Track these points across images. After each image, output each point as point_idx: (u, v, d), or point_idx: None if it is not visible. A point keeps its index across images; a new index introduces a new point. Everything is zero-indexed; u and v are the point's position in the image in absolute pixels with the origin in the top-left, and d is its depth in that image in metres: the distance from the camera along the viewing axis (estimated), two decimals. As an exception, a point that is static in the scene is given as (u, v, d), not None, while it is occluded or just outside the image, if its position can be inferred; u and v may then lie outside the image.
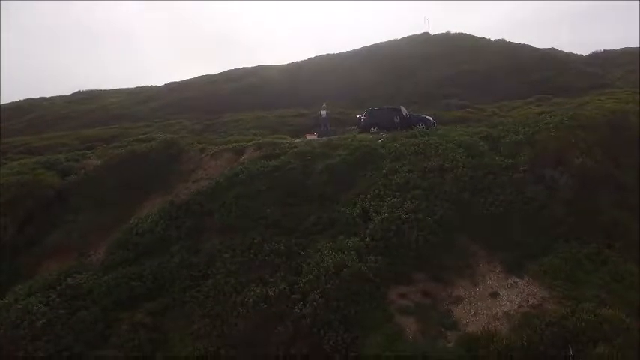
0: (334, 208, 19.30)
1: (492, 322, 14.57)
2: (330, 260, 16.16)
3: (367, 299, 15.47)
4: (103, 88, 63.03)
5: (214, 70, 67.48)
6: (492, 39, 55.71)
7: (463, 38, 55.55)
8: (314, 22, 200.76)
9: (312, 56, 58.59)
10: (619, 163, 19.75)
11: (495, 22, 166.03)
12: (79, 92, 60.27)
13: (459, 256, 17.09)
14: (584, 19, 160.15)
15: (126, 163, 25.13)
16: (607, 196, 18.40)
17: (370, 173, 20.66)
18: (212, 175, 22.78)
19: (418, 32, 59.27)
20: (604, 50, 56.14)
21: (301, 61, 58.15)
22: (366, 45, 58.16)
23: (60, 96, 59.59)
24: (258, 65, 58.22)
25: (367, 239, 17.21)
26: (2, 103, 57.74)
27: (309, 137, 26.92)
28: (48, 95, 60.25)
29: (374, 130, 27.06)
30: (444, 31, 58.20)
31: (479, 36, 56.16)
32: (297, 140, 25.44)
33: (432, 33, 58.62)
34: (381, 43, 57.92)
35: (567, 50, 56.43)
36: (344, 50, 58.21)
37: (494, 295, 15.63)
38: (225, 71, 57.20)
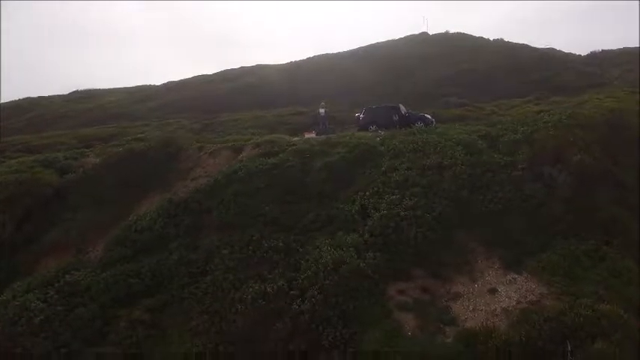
0: (333, 206, 19.29)
1: (491, 318, 14.56)
2: (329, 257, 16.16)
3: (366, 295, 15.48)
4: (101, 88, 62.93)
5: (212, 69, 67.35)
6: (491, 39, 55.77)
7: (462, 38, 55.60)
8: (313, 22, 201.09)
9: (311, 56, 58.57)
10: (617, 161, 19.77)
11: (494, 22, 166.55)
12: (77, 91, 60.18)
13: (457, 252, 17.11)
14: (582, 20, 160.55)
15: (124, 161, 25.09)
16: (605, 194, 18.41)
17: (369, 171, 20.66)
18: (210, 173, 22.74)
19: (417, 32, 59.28)
20: (602, 50, 56.18)
21: (299, 60, 58.17)
22: (364, 45, 58.17)
23: (58, 95, 59.49)
24: (256, 65, 58.21)
25: (366, 236, 17.23)
26: (1, 102, 57.64)
27: (307, 135, 26.90)
28: (46, 94, 60.15)
29: (372, 128, 27.04)
30: (443, 31, 58.26)
31: (477, 36, 56.20)
32: (296, 138, 25.39)
33: (431, 33, 58.68)
34: (379, 42, 57.97)
35: (566, 50, 56.48)
36: (342, 50, 58.16)
37: (493, 291, 15.63)
38: (223, 71, 57.23)
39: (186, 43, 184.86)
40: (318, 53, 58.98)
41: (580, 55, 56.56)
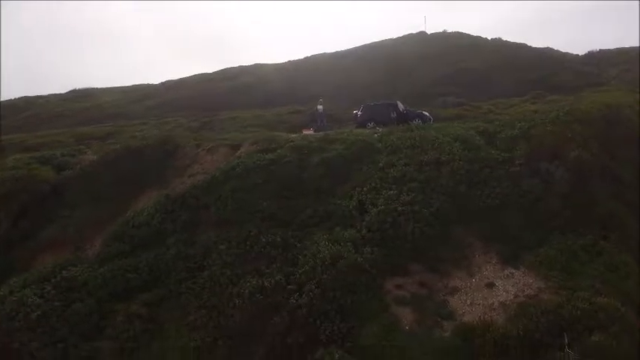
0: (330, 201, 19.29)
1: (488, 312, 14.61)
2: (327, 251, 16.18)
3: (363, 290, 15.50)
4: (98, 87, 62.79)
5: (211, 69, 67.21)
6: (489, 38, 55.79)
7: (460, 37, 55.57)
8: (312, 22, 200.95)
9: (309, 55, 58.51)
10: (614, 156, 19.81)
11: (493, 23, 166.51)
12: (74, 91, 59.92)
13: (455, 247, 17.14)
14: (580, 20, 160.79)
15: (122, 158, 25.03)
16: (603, 189, 18.45)
17: (366, 167, 20.65)
18: (208, 170, 22.70)
19: (415, 31, 59.28)
20: (600, 50, 56.18)
21: (298, 59, 58.07)
22: (362, 44, 58.15)
23: (55, 94, 59.30)
24: (255, 64, 58.09)
25: (363, 231, 17.24)
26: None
27: (305, 132, 26.89)
28: (43, 94, 59.94)
29: (370, 125, 27.05)
30: (441, 30, 58.26)
31: (475, 35, 56.20)
32: (294, 135, 25.38)
33: (429, 32, 58.65)
34: (377, 42, 57.84)
35: (563, 50, 56.51)
36: (341, 49, 58.12)
37: (491, 285, 15.67)
38: (221, 70, 57.03)
39: (185, 43, 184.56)
40: (317, 53, 58.89)
41: (578, 55, 56.62)
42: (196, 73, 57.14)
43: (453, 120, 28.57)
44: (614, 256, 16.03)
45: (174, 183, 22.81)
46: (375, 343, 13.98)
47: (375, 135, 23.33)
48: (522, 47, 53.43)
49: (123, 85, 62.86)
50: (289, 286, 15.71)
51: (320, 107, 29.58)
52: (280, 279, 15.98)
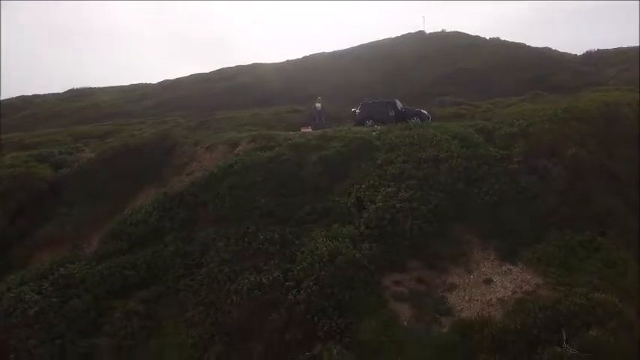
0: (328, 198, 19.28)
1: (486, 308, 14.61)
2: (325, 248, 16.16)
3: (361, 286, 15.49)
4: (96, 86, 62.69)
5: (209, 69, 67.15)
6: (487, 38, 55.81)
7: (458, 37, 55.58)
8: (310, 22, 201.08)
9: (307, 55, 58.47)
10: (612, 154, 19.82)
11: (490, 23, 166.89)
12: (72, 90, 59.87)
13: (453, 244, 17.14)
14: (578, 20, 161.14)
15: (119, 156, 24.99)
16: (600, 186, 18.47)
17: (365, 164, 20.65)
18: (206, 167, 22.68)
19: (413, 31, 59.27)
20: (598, 50, 56.30)
21: (296, 59, 58.04)
22: (361, 43, 58.14)
23: (52, 94, 59.23)
24: (253, 63, 58.01)
25: (361, 227, 17.24)
26: (-1, 100, 57.09)
27: (304, 130, 26.88)
28: (41, 93, 59.84)
29: (369, 123, 27.07)
30: (439, 30, 58.29)
31: (474, 35, 56.22)
32: (292, 133, 25.37)
33: (427, 32, 58.65)
34: (375, 41, 57.79)
35: (562, 50, 56.57)
36: (339, 49, 58.09)
37: (489, 281, 15.67)
38: (219, 69, 56.97)
39: (183, 44, 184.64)
40: (315, 52, 58.84)
41: (576, 55, 56.71)
42: (194, 73, 57.11)
43: (451, 119, 28.66)
44: (612, 252, 16.03)
45: (172, 181, 22.79)
46: (373, 338, 13.97)
47: (374, 133, 23.33)
48: (521, 47, 53.47)
49: (121, 84, 62.80)
50: (287, 283, 15.70)
51: (318, 105, 29.59)
52: (278, 275, 15.97)
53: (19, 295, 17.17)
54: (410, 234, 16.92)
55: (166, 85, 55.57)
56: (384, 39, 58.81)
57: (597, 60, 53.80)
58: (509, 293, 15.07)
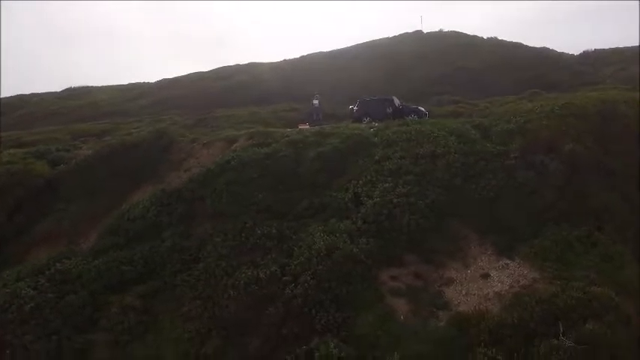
0: (326, 194, 19.29)
1: (483, 302, 14.60)
2: (322, 242, 16.16)
3: (358, 280, 15.47)
4: (93, 85, 62.60)
5: (207, 68, 67.09)
6: (485, 37, 55.90)
7: (456, 36, 55.66)
8: (308, 22, 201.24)
9: (305, 54, 58.47)
10: (609, 150, 19.84)
11: (488, 22, 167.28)
12: (69, 89, 59.81)
13: (450, 239, 17.15)
14: (577, 20, 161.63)
15: (117, 153, 24.95)
16: (597, 181, 18.50)
17: (362, 160, 20.64)
18: (204, 164, 22.65)
19: (411, 30, 59.30)
20: (595, 49, 56.53)
21: (294, 58, 58.04)
22: (358, 43, 58.14)
23: (50, 92, 59.16)
24: (250, 63, 58.02)
25: (359, 222, 17.22)
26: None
27: (301, 127, 26.86)
28: (38, 92, 59.74)
29: (366, 120, 27.08)
30: (437, 30, 58.36)
31: (472, 34, 56.30)
32: (290, 130, 25.35)
33: (425, 31, 58.73)
34: (373, 40, 57.86)
35: (561, 50, 56.75)
36: (336, 48, 58.07)
37: (486, 276, 15.67)
38: (216, 68, 56.90)
39: (181, 43, 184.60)
40: (313, 52, 58.84)
41: (573, 55, 56.87)
42: (192, 72, 57.03)
43: (449, 117, 28.65)
44: (609, 246, 16.05)
45: (169, 177, 22.77)
46: (371, 332, 13.93)
47: (371, 129, 23.34)
48: (518, 47, 53.57)
49: (119, 84, 62.73)
50: (284, 277, 15.68)
51: (316, 102, 29.59)
52: (275, 270, 15.95)
53: (15, 290, 17.08)
54: (407, 229, 16.92)
55: (164, 84, 55.53)
56: (382, 38, 58.88)
57: (594, 60, 54.00)
58: (507, 287, 15.07)
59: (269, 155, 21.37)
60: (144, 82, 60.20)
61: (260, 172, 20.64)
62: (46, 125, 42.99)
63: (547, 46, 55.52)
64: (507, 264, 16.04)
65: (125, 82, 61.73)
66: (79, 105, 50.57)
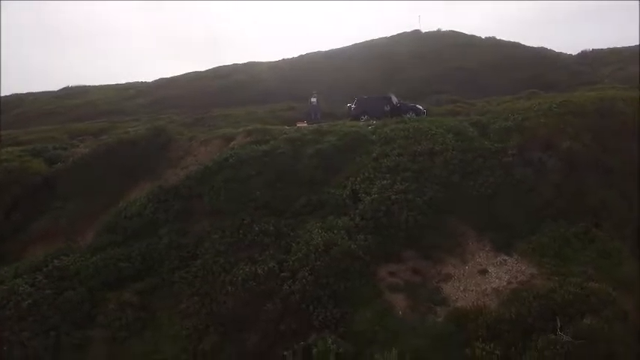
0: (324, 191, 19.28)
1: (481, 298, 14.66)
2: (320, 239, 16.17)
3: (357, 276, 15.51)
4: (90, 84, 62.40)
5: (204, 68, 66.99)
6: (483, 37, 55.97)
7: (454, 36, 55.68)
8: (307, 22, 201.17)
9: (303, 53, 58.41)
10: (607, 147, 19.84)
11: (486, 22, 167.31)
12: (66, 88, 59.63)
13: (448, 235, 17.20)
14: (577, 20, 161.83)
15: (114, 151, 24.85)
16: (595, 178, 18.53)
17: (360, 157, 20.65)
18: (202, 162, 22.60)
19: (409, 30, 59.34)
20: (593, 50, 56.70)
21: (292, 58, 57.96)
22: (357, 42, 58.15)
23: (47, 91, 59.00)
24: (248, 62, 57.91)
25: (357, 219, 17.23)
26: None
27: (299, 125, 26.83)
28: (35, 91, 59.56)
29: (364, 118, 27.07)
30: (435, 29, 58.41)
31: (469, 34, 56.35)
32: (287, 127, 25.33)
33: (423, 31, 58.76)
34: (371, 40, 57.84)
35: (562, 50, 56.87)
36: (334, 48, 58.05)
37: (484, 272, 15.72)
38: (214, 68, 56.73)
39: (180, 43, 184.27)
40: (311, 51, 58.78)
41: (571, 55, 57.01)
42: (189, 71, 56.95)
43: (447, 116, 28.65)
44: (607, 243, 16.11)
45: (167, 174, 22.70)
46: (369, 328, 13.97)
47: (369, 127, 23.34)
48: (517, 47, 53.64)
49: (116, 83, 62.56)
50: (282, 274, 15.69)
51: (314, 100, 29.53)
52: (273, 266, 15.95)
53: (13, 287, 17.04)
54: (405, 225, 16.95)
55: (161, 84, 55.40)
56: (380, 38, 58.86)
57: (592, 60, 54.16)
58: (504, 283, 15.12)
59: (267, 153, 21.34)
60: (141, 82, 60.06)
61: (258, 169, 20.61)
62: (42, 124, 42.83)
63: (545, 46, 55.65)
64: (505, 260, 16.08)
65: (122, 82, 61.51)
66: (76, 104, 50.39)
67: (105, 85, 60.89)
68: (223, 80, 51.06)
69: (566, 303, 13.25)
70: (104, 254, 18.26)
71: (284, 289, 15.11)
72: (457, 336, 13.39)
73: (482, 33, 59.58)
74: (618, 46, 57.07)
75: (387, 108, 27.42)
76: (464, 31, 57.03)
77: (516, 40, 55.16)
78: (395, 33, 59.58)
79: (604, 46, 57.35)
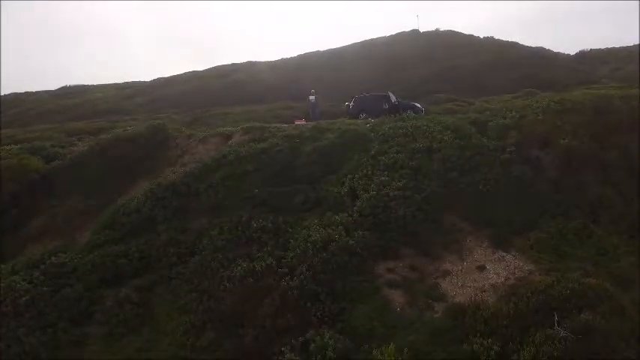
0: (322, 188, 19.30)
1: (479, 294, 14.70)
2: (318, 235, 16.21)
3: (354, 272, 15.56)
4: (89, 84, 62.33)
5: (203, 67, 67.02)
6: (481, 36, 56.02)
7: (452, 35, 55.69)
8: (304, 22, 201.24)
9: (302, 53, 58.40)
10: (605, 144, 19.88)
11: (490, 23, 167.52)
12: (64, 87, 59.54)
13: (446, 232, 17.25)
14: (573, 20, 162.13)
15: (112, 148, 24.73)
16: (592, 175, 18.61)
17: (358, 155, 20.65)
18: (200, 159, 22.57)
19: (408, 30, 59.35)
20: (591, 49, 56.89)
21: (291, 57, 57.96)
22: (355, 42, 58.13)
23: (45, 91, 58.89)
24: (247, 61, 57.88)
25: (355, 215, 17.28)
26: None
27: (297, 123, 26.83)
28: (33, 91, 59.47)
29: (362, 116, 27.05)
30: (433, 29, 58.43)
31: (468, 33, 56.40)
32: (285, 125, 25.32)
33: (422, 30, 58.77)
34: (370, 40, 57.79)
35: (556, 50, 56.98)
36: (333, 47, 58.04)
37: (482, 268, 15.76)
38: (213, 67, 56.65)
39: (178, 43, 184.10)
40: (310, 51, 58.78)
41: (569, 55, 57.13)
42: (188, 70, 56.88)
43: (445, 115, 28.67)
44: (604, 239, 16.21)
45: (165, 172, 22.63)
46: (366, 324, 13.97)
47: (367, 125, 23.34)
48: (515, 46, 53.67)
49: (114, 82, 62.46)
50: (280, 270, 15.69)
51: (312, 97, 29.48)
52: (271, 262, 15.96)
53: (10, 284, 16.99)
54: (403, 222, 16.98)
55: (160, 83, 55.36)
56: (378, 38, 58.79)
57: (590, 59, 54.29)
58: (502, 279, 15.16)
59: (265, 150, 21.34)
60: (140, 81, 59.98)
61: (256, 166, 20.62)
62: (41, 124, 42.68)
63: (544, 46, 55.79)
64: (503, 256, 16.12)
65: (121, 82, 61.42)
66: (74, 103, 50.28)
67: (103, 85, 60.83)
68: (222, 80, 50.99)
69: (564, 298, 13.29)
70: (102, 251, 18.21)
71: (282, 285, 15.10)
72: (455, 331, 13.40)
73: (481, 33, 59.67)
74: (616, 47, 57.34)
75: (386, 106, 27.39)
76: (462, 31, 57.06)
77: (515, 40, 55.29)
78: (391, 32, 59.67)
79: (600, 46, 57.66)
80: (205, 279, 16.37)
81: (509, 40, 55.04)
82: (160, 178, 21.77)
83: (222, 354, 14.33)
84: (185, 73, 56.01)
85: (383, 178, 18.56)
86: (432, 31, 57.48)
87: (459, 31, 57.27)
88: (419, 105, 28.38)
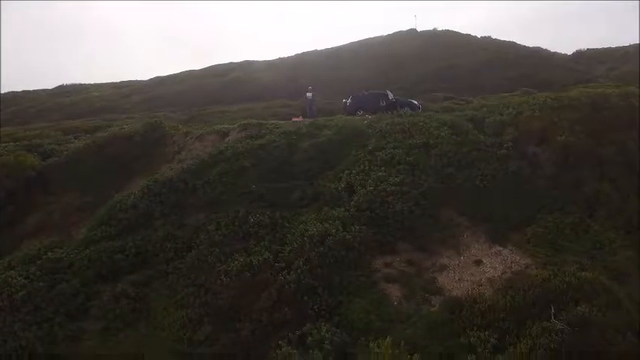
0: (319, 183, 19.30)
1: (476, 288, 14.71)
2: (315, 229, 16.20)
3: (351, 267, 15.56)
4: (86, 83, 62.24)
5: (201, 66, 66.94)
6: (479, 36, 56.18)
7: (450, 35, 55.88)
8: (303, 22, 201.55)
9: (300, 52, 58.47)
10: (601, 140, 19.95)
11: (490, 23, 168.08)
12: (61, 86, 59.46)
13: (443, 227, 17.26)
14: (572, 20, 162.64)
15: (109, 145, 24.75)
16: (589, 171, 18.67)
17: (355, 150, 20.66)
18: (197, 156, 22.53)
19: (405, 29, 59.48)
20: (587, 49, 57.10)
21: (288, 56, 58.04)
22: (353, 41, 58.18)
23: (43, 89, 58.78)
24: (245, 61, 57.95)
25: (352, 210, 17.29)
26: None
27: (295, 120, 26.83)
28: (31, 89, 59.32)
29: (360, 113, 27.05)
30: (431, 28, 58.55)
31: (465, 33, 56.55)
32: (283, 122, 25.31)
33: (419, 30, 58.88)
34: (368, 39, 57.92)
35: (553, 49, 57.16)
36: (331, 46, 58.09)
37: (478, 263, 15.78)
38: (211, 66, 56.70)
39: (176, 42, 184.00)
40: (308, 50, 58.84)
41: (566, 54, 57.32)
42: (186, 69, 56.85)
43: (442, 113, 28.72)
44: (601, 233, 16.27)
45: (162, 169, 22.60)
46: (363, 317, 13.94)
47: (365, 121, 23.34)
48: (512, 46, 53.85)
49: (112, 81, 62.37)
50: (277, 264, 15.67)
51: (309, 95, 29.49)
52: (268, 257, 15.92)
53: (6, 279, 16.87)
54: (400, 217, 17.00)
55: (157, 82, 55.31)
56: (376, 37, 58.95)
57: (587, 59, 54.47)
58: (499, 273, 15.19)
59: (262, 146, 21.32)
60: (137, 80, 59.91)
61: (253, 162, 20.59)
62: (38, 122, 42.63)
63: (542, 46, 55.99)
64: (500, 251, 16.14)
65: (118, 81, 61.31)
66: (71, 102, 50.20)
67: (100, 84, 60.75)
68: (220, 78, 51.01)
69: (561, 291, 13.34)
70: (98, 246, 18.11)
71: (279, 279, 15.07)
72: (452, 324, 13.41)
73: (479, 33, 59.81)
74: (613, 46, 57.60)
75: (383, 103, 27.38)
76: (460, 31, 57.21)
77: (512, 40, 55.48)
78: (389, 31, 59.79)
79: (597, 46, 57.92)
80: (202, 273, 16.32)
81: (507, 39, 55.30)
82: (156, 175, 21.73)
83: (219, 348, 14.29)
84: (183, 72, 56.00)
85: (380, 174, 18.57)
86: (430, 31, 57.65)
87: (457, 30, 57.42)
88: (416, 102, 28.40)
